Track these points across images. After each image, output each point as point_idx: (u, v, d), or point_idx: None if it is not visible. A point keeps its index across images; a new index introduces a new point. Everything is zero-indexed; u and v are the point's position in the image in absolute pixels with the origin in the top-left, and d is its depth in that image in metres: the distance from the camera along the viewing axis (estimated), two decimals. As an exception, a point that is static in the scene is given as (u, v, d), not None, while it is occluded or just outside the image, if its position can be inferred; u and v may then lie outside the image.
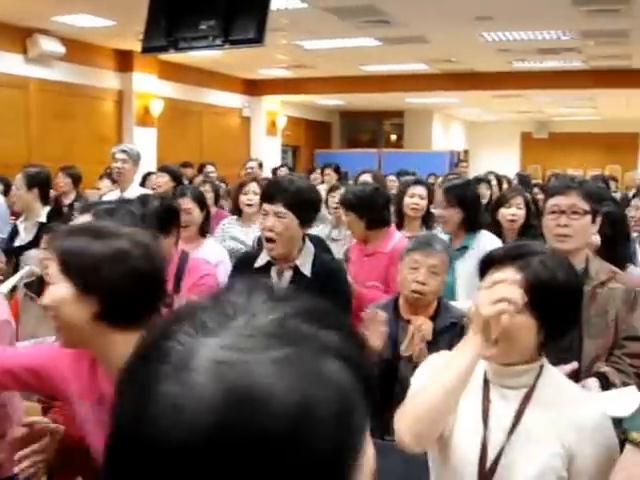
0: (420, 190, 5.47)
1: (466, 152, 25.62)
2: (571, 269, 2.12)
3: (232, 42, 6.02)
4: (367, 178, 7.31)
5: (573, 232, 3.17)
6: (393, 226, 4.94)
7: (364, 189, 4.98)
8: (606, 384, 3.00)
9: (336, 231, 6.06)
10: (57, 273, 1.88)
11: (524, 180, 13.21)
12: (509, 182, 12.22)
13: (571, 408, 2.01)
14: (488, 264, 2.08)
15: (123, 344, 1.88)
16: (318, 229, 6.26)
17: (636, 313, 3.17)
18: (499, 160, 23.40)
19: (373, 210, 4.76)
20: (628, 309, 3.16)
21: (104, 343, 1.92)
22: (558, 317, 2.03)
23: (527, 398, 2.03)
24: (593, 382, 2.98)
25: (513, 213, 5.41)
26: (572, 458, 1.97)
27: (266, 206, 3.45)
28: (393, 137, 23.44)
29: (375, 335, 3.17)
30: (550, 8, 9.79)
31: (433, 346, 3.13)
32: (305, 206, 3.47)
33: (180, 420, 0.66)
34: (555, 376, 2.14)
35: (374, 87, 16.69)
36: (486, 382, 2.09)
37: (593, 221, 3.23)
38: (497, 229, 5.32)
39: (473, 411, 2.06)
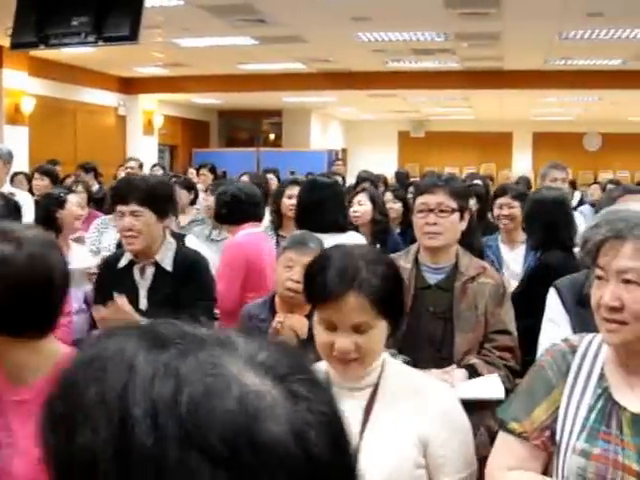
0: (298, 191, 5.47)
1: (344, 151, 26.01)
2: (382, 257, 2.20)
3: (105, 39, 5.93)
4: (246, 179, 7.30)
5: (442, 229, 3.25)
6: (250, 224, 4.86)
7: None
8: (475, 375, 3.14)
9: (216, 232, 6.03)
10: None
11: (401, 178, 13.57)
12: (385, 183, 12.49)
13: (419, 396, 2.07)
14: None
15: (15, 353, 1.88)
16: (197, 230, 6.27)
17: (504, 307, 3.31)
18: (377, 159, 23.82)
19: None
20: (497, 303, 3.28)
21: (15, 356, 1.89)
22: (398, 307, 2.11)
23: (374, 395, 2.07)
24: (460, 372, 3.12)
25: (355, 210, 5.54)
26: (427, 444, 2.03)
27: (121, 207, 3.48)
28: (272, 136, 23.52)
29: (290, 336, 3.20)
30: (424, 10, 10.06)
31: (310, 343, 3.16)
32: (159, 200, 3.53)
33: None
34: (398, 367, 2.19)
35: (252, 86, 16.71)
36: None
37: (462, 218, 3.33)
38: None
39: None
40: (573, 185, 14.53)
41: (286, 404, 0.70)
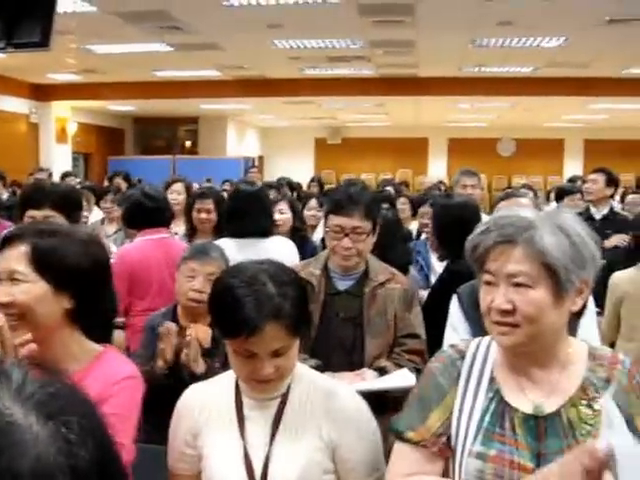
0: (209, 204, 5.53)
1: (261, 158, 26.02)
2: (288, 273, 2.16)
3: (16, 45, 5.79)
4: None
5: (358, 251, 3.29)
6: (152, 229, 4.82)
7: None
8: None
9: (128, 240, 5.97)
10: (29, 272, 1.96)
11: (320, 183, 13.65)
12: (300, 188, 12.39)
13: (327, 401, 2.11)
14: None
15: (79, 345, 2.05)
16: (119, 237, 6.32)
17: (413, 311, 3.39)
18: (294, 166, 23.96)
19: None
20: (405, 308, 3.36)
21: (67, 343, 2.01)
22: (308, 321, 2.19)
23: (283, 403, 2.11)
24: (370, 373, 3.21)
25: (276, 218, 5.47)
26: (335, 449, 2.09)
27: (33, 212, 3.49)
28: (188, 143, 23.34)
29: (168, 348, 3.18)
30: (339, 18, 10.17)
31: (214, 351, 3.15)
32: (71, 206, 3.60)
33: None
34: (307, 372, 2.23)
35: (168, 93, 16.63)
36: (238, 396, 2.15)
37: (373, 232, 3.36)
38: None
39: (229, 432, 2.11)
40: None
41: (45, 443, 0.69)
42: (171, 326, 3.24)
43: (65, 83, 16.84)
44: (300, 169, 22.75)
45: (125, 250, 4.76)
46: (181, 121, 22.76)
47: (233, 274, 2.06)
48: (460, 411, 1.89)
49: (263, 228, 4.80)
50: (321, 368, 3.12)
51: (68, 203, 3.54)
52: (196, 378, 2.69)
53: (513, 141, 26.20)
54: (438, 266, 5.18)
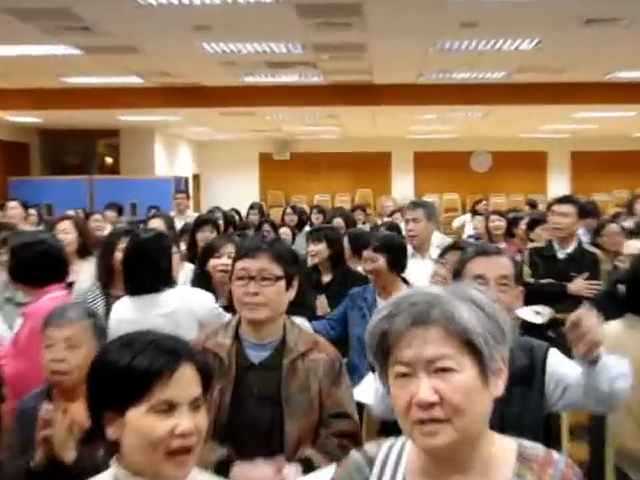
0: None
1: (197, 177, 25.98)
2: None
3: None
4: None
5: (265, 300, 3.28)
6: (56, 286, 4.81)
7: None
8: (310, 470, 3.14)
9: (21, 293, 5.85)
10: None
11: (261, 211, 13.86)
12: (239, 217, 12.56)
13: None
14: None
15: None
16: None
17: (342, 386, 3.36)
18: (236, 185, 24.16)
19: None
20: (332, 382, 3.33)
21: None
22: None
23: None
24: (293, 469, 3.14)
25: (225, 263, 5.31)
26: None
27: None
28: (109, 160, 23.15)
29: (53, 435, 3.09)
30: (275, 20, 10.17)
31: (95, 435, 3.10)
32: None
33: None
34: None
35: (80, 102, 16.46)
36: None
37: (289, 286, 3.37)
38: (206, 281, 5.42)
39: None
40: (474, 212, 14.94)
41: None
42: (50, 408, 3.15)
43: (-44, 91, 16.56)
44: (243, 190, 22.80)
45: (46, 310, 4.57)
46: (99, 134, 22.51)
47: (113, 351, 2.10)
48: None
49: (160, 282, 4.75)
50: (231, 458, 3.09)
51: None
52: (63, 469, 2.65)
53: (488, 155, 26.49)
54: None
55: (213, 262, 5.52)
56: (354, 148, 25.78)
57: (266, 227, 10.22)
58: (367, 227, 12.13)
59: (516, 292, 3.42)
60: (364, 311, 5.50)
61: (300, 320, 3.97)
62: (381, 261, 5.54)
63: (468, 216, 15.86)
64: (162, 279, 4.77)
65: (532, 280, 6.43)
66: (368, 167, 26.19)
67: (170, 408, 2.00)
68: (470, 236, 12.28)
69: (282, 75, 14.81)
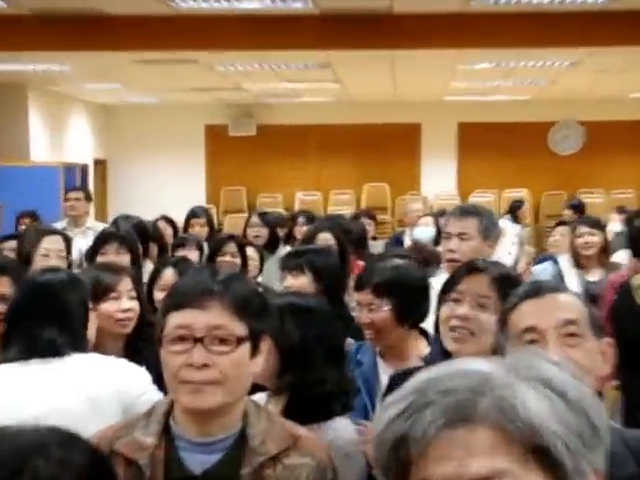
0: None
1: (100, 164, 20.11)
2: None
3: None
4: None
5: (218, 376, 2.51)
6: None
7: None
8: None
9: None
10: None
11: (209, 219, 11.27)
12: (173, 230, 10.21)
13: None
14: None
15: None
16: None
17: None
18: (167, 179, 19.54)
19: None
20: (324, 505, 2.80)
21: None
22: None
23: None
24: None
25: (125, 308, 4.97)
26: None
27: None
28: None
29: None
30: None
31: None
32: None
33: None
34: None
35: None
36: None
37: (256, 350, 2.61)
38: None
39: None
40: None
41: None
42: None
43: None
44: (180, 185, 18.61)
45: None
46: None
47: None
48: None
49: (62, 342, 3.97)
50: None
51: None
52: None
53: (579, 127, 20.47)
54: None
55: (108, 307, 4.72)
56: (360, 118, 19.68)
57: (230, 247, 8.03)
58: (379, 245, 10.71)
59: (597, 345, 2.59)
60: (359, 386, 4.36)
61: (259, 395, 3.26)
62: (385, 310, 4.28)
63: (508, 222, 12.38)
64: (71, 338, 4.15)
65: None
66: (383, 148, 19.89)
67: None
68: (540, 258, 9.85)
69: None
